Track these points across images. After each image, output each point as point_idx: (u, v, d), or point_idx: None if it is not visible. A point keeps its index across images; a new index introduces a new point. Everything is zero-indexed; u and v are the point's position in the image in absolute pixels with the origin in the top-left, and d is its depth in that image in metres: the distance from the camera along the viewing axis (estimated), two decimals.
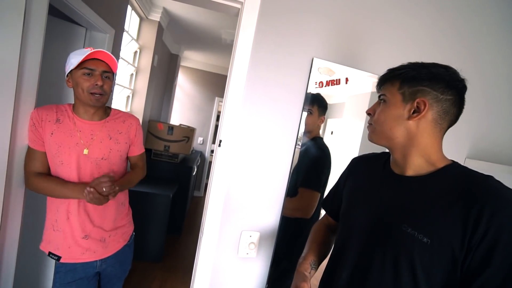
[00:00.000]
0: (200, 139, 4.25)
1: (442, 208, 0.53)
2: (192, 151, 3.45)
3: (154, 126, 2.69)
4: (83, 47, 1.52)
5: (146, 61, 2.43)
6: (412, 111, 0.60)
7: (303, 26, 0.96)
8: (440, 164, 0.59)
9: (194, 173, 3.19)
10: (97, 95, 0.94)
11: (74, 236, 0.97)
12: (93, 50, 0.92)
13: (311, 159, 1.02)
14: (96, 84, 0.93)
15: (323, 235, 0.82)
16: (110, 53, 0.96)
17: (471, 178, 0.55)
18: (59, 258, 0.97)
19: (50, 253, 0.98)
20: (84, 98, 0.94)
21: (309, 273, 0.69)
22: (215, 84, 4.20)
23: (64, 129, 0.95)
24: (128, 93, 2.37)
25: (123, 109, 2.29)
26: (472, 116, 1.14)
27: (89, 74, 0.93)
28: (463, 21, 1.09)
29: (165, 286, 2.04)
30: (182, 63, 4.06)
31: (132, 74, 2.40)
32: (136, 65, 2.39)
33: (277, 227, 1.03)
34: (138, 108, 2.45)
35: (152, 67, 2.47)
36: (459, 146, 1.17)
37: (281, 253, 1.05)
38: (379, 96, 0.67)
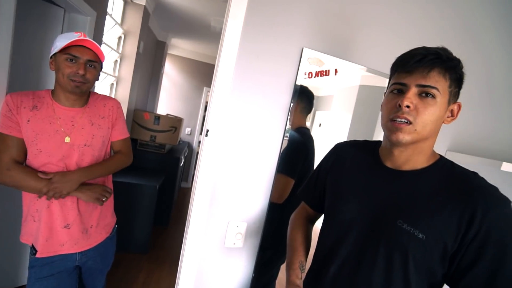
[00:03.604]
0: (187, 130, 4.18)
1: (437, 206, 0.54)
2: (179, 141, 3.39)
3: (140, 115, 2.62)
4: (61, 30, 1.43)
5: (131, 47, 2.33)
6: (449, 114, 0.59)
7: (294, 15, 0.94)
8: (433, 159, 0.60)
9: (181, 164, 3.14)
10: (77, 82, 0.89)
11: (53, 226, 0.93)
12: (81, 37, 0.87)
13: (289, 146, 1.02)
14: (78, 73, 0.88)
15: (304, 231, 0.78)
16: (96, 43, 0.91)
17: (462, 177, 0.56)
18: (35, 252, 0.93)
19: (32, 245, 0.94)
20: (63, 83, 0.89)
21: (300, 278, 0.67)
22: (203, 73, 4.11)
23: (42, 116, 0.90)
24: (112, 80, 2.28)
25: None
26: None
27: (72, 61, 0.88)
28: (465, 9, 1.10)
29: (151, 278, 2.03)
30: (170, 51, 3.94)
31: (116, 61, 2.31)
32: (120, 51, 2.29)
33: (264, 217, 1.03)
34: (122, 96, 2.36)
35: (138, 54, 2.38)
36: (440, 139, 1.21)
37: (267, 243, 1.06)
38: (422, 86, 0.53)
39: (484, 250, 0.50)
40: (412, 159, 0.59)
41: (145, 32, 2.51)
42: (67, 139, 0.92)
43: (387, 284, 0.57)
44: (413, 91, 0.54)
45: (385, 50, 1.05)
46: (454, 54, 0.57)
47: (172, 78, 4.09)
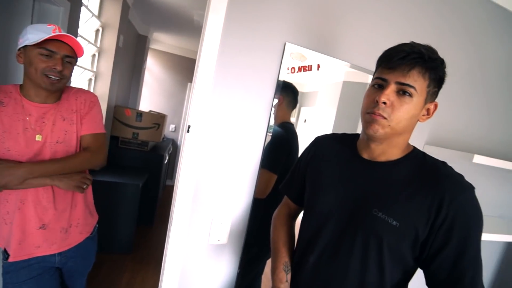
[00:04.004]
0: (172, 126, 4.10)
1: (410, 194, 0.57)
2: (163, 138, 3.32)
3: (121, 112, 2.53)
4: (31, 21, 1.34)
5: (110, 41, 2.24)
6: (425, 113, 0.60)
7: (276, 9, 0.93)
8: (407, 150, 0.63)
9: (165, 161, 3.08)
10: (54, 79, 0.84)
11: (27, 228, 0.88)
12: (58, 33, 0.82)
13: (272, 141, 1.02)
14: (55, 68, 0.83)
15: (287, 229, 0.79)
16: (76, 40, 0.86)
17: (432, 166, 0.59)
18: (7, 257, 0.88)
19: (5, 249, 0.89)
20: (36, 79, 0.83)
21: (286, 280, 0.69)
22: (187, 69, 4.02)
23: (9, 113, 0.84)
24: (90, 75, 2.18)
25: None
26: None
27: (47, 56, 0.82)
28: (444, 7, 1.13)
29: (136, 278, 1.99)
30: (152, 46, 3.82)
31: (94, 55, 2.21)
32: (98, 45, 2.19)
33: (248, 213, 1.03)
34: (102, 92, 2.27)
35: (117, 48, 2.29)
36: (419, 133, 1.25)
37: (252, 239, 1.06)
38: (401, 84, 0.54)
39: (451, 234, 0.53)
40: (387, 152, 0.62)
41: (125, 25, 2.42)
42: (38, 137, 0.86)
43: (363, 269, 0.59)
44: (391, 88, 0.56)
45: (368, 46, 1.07)
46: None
47: (154, 73, 3.98)
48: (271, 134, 1.02)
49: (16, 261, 0.88)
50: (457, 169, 0.60)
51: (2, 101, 0.84)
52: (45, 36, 0.79)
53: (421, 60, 0.54)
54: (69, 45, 0.86)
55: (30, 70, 0.83)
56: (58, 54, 0.84)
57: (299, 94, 1.07)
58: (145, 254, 2.31)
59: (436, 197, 0.54)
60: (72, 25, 1.58)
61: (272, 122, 1.01)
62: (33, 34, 0.80)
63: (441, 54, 0.59)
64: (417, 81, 0.54)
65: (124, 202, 2.15)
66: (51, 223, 0.91)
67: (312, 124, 1.12)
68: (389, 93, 0.55)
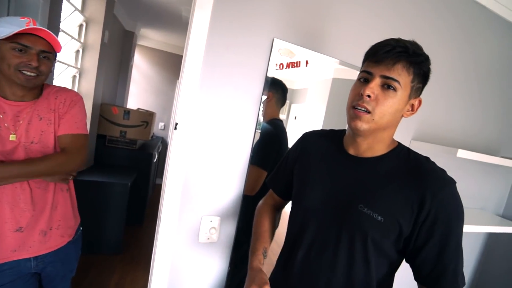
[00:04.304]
0: (161, 124, 4.03)
1: (394, 190, 0.58)
2: (152, 136, 3.26)
3: (108, 110, 2.47)
4: (7, 14, 1.28)
5: (95, 36, 2.17)
6: (409, 108, 0.61)
7: (264, 5, 0.92)
8: (392, 146, 0.64)
9: (155, 160, 3.03)
10: (29, 75, 0.80)
11: (2, 231, 0.83)
12: (32, 26, 0.77)
13: (261, 138, 1.02)
14: (30, 64, 0.79)
15: (270, 217, 0.80)
16: (53, 34, 0.81)
17: (416, 162, 0.60)
18: None
19: None
20: (10, 75, 0.79)
21: (262, 264, 0.69)
22: (176, 65, 3.96)
23: None
24: (74, 72, 2.11)
25: None
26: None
27: (21, 51, 0.78)
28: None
29: (125, 279, 1.96)
30: (139, 42, 3.73)
31: (78, 51, 2.14)
32: (82, 40, 2.12)
33: (238, 210, 1.03)
34: (87, 89, 2.20)
35: (103, 44, 2.22)
36: (405, 129, 1.27)
37: (243, 237, 1.05)
38: (386, 77, 0.55)
39: (434, 229, 0.55)
40: (373, 147, 0.62)
41: (110, 20, 2.35)
42: (12, 137, 0.82)
43: (350, 264, 0.60)
44: (376, 81, 0.56)
45: (357, 43, 1.07)
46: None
47: (143, 70, 3.90)
48: (260, 131, 1.01)
49: None
50: (442, 163, 0.61)
51: None
52: (17, 29, 0.75)
53: (406, 54, 0.55)
54: (45, 40, 0.81)
55: (2, 66, 0.79)
56: (33, 49, 0.79)
57: (290, 91, 1.07)
58: (135, 254, 2.27)
59: (419, 193, 0.55)
60: (53, 19, 1.52)
61: (261, 118, 1.00)
62: (4, 28, 0.75)
63: (426, 49, 0.60)
64: (401, 75, 0.55)
65: (112, 202, 2.11)
66: (29, 225, 0.87)
67: (302, 121, 1.12)
68: (374, 86, 0.56)
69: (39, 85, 0.86)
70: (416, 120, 1.28)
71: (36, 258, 0.91)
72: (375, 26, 1.09)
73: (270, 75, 0.98)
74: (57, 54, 0.89)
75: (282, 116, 1.11)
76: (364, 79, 0.59)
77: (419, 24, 1.18)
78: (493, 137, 1.53)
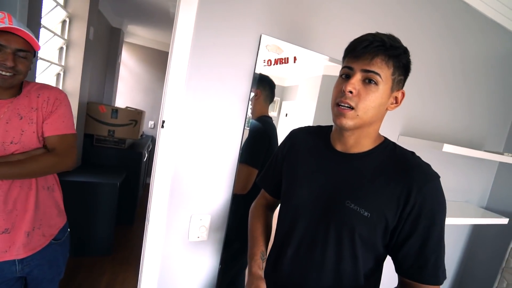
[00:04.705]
0: (150, 123, 3.97)
1: (380, 185, 0.58)
2: (142, 135, 3.21)
3: (95, 108, 2.41)
4: None
5: (79, 33, 2.10)
6: (393, 101, 0.61)
7: (252, 1, 0.91)
8: (378, 141, 0.64)
9: (145, 159, 2.99)
10: (5, 75, 0.77)
11: None
12: (4, 21, 0.74)
13: (251, 136, 1.01)
14: (4, 64, 0.76)
15: (264, 220, 0.80)
16: (27, 30, 0.78)
17: (402, 157, 0.61)
18: None
19: None
20: None
21: (262, 268, 0.69)
22: (164, 63, 3.86)
23: None
24: (58, 70, 2.05)
25: None
26: (405, 99, 1.26)
27: None
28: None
29: (116, 280, 1.93)
30: (126, 39, 3.65)
31: (62, 48, 2.07)
32: (66, 37, 2.05)
33: (228, 208, 1.02)
34: (72, 88, 2.14)
35: (88, 41, 2.16)
36: (393, 125, 1.29)
37: (233, 235, 1.05)
38: (366, 71, 0.55)
39: (417, 222, 0.55)
40: (359, 142, 0.63)
41: (95, 16, 2.28)
42: None
43: (338, 259, 0.61)
44: (357, 76, 0.56)
45: (345, 40, 1.04)
46: (406, 43, 0.59)
47: (131, 68, 3.82)
48: (249, 128, 1.01)
49: None
50: (428, 158, 0.62)
51: None
52: None
53: (383, 48, 0.55)
54: (21, 38, 0.79)
55: None
56: (8, 48, 0.77)
57: (280, 88, 1.06)
58: (126, 254, 2.24)
59: (405, 187, 0.56)
60: (33, 15, 1.46)
61: (250, 115, 1.00)
62: None
63: (412, 46, 0.60)
64: (381, 69, 0.55)
65: (101, 203, 2.07)
66: (14, 226, 0.85)
67: (293, 118, 1.12)
68: (355, 81, 0.56)
69: (16, 84, 0.83)
70: (404, 116, 1.30)
71: (21, 261, 0.88)
72: (364, 23, 1.10)
73: (258, 71, 0.97)
74: (37, 52, 0.86)
75: (273, 113, 1.10)
76: (346, 75, 0.59)
77: (406, 22, 1.19)
78: (478, 132, 1.57)
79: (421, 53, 1.26)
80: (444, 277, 0.57)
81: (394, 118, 1.28)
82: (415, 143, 1.25)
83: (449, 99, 1.42)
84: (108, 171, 2.30)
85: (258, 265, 0.68)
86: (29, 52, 0.82)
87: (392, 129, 1.30)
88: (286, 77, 1.06)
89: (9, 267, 0.87)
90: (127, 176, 2.47)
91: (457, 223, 1.29)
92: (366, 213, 0.57)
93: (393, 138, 1.34)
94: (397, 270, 0.61)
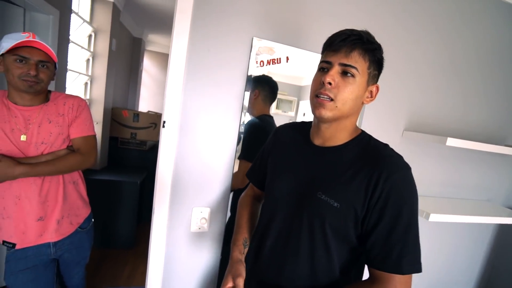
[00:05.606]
0: None
1: (350, 176, 0.60)
2: None
3: (119, 113, 2.62)
4: (23, 30, 1.43)
5: (103, 45, 2.32)
6: (368, 95, 0.63)
7: (243, 4, 0.97)
8: (355, 134, 0.66)
9: None
10: (30, 82, 0.91)
11: (27, 220, 0.98)
12: (29, 38, 0.89)
13: (248, 132, 1.06)
14: (29, 73, 0.90)
15: (250, 208, 0.84)
16: (45, 44, 0.93)
17: (374, 149, 0.62)
18: (14, 245, 0.98)
19: (4, 241, 0.98)
20: (14, 83, 0.91)
21: (243, 253, 0.72)
22: None
23: None
24: (86, 79, 2.27)
25: (81, 96, 2.20)
26: (408, 94, 1.24)
27: (21, 61, 0.90)
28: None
29: (137, 271, 2.08)
30: (148, 48, 3.90)
31: (88, 60, 2.29)
32: (92, 49, 2.27)
33: (227, 201, 1.09)
34: (98, 95, 2.36)
35: (110, 52, 2.37)
36: (397, 120, 1.27)
37: (233, 226, 1.11)
38: (344, 65, 0.57)
39: (385, 210, 0.56)
40: (335, 135, 0.65)
41: (117, 29, 2.49)
42: (23, 137, 0.94)
43: (312, 250, 0.63)
44: (336, 69, 0.58)
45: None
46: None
47: (152, 74, 4.07)
48: (248, 125, 1.06)
49: (16, 251, 0.98)
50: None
51: None
52: (15, 42, 0.87)
53: (360, 41, 0.58)
54: (42, 51, 0.92)
55: (8, 76, 0.91)
56: (31, 60, 0.90)
57: (297, 88, 1.10)
58: (146, 249, 2.39)
59: (373, 176, 0.57)
60: (63, 32, 1.66)
61: (246, 114, 1.05)
62: (7, 43, 0.87)
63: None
64: (358, 62, 0.58)
65: (124, 200, 2.25)
66: (47, 214, 1.01)
67: (311, 117, 1.15)
68: (334, 73, 0.58)
69: (41, 91, 0.97)
70: (407, 111, 1.27)
71: (55, 244, 1.05)
72: (358, 22, 1.11)
73: (254, 73, 1.02)
74: (56, 63, 1.00)
75: (290, 113, 1.15)
76: (324, 68, 0.61)
77: (403, 18, 1.17)
78: (497, 125, 1.47)
79: (428, 43, 1.21)
80: (413, 268, 0.55)
81: (398, 113, 1.25)
82: (419, 137, 1.20)
83: (454, 91, 1.34)
84: (130, 171, 2.48)
85: (239, 251, 0.71)
86: (49, 63, 0.96)
87: (396, 124, 1.26)
88: (304, 76, 1.08)
89: (46, 249, 1.04)
90: (147, 176, 2.65)
91: (477, 222, 1.21)
92: (335, 204, 0.59)
93: (397, 134, 1.32)
94: (366, 261, 0.61)
